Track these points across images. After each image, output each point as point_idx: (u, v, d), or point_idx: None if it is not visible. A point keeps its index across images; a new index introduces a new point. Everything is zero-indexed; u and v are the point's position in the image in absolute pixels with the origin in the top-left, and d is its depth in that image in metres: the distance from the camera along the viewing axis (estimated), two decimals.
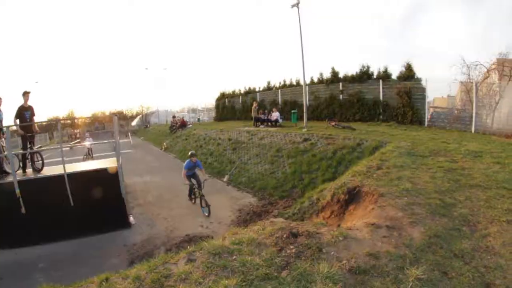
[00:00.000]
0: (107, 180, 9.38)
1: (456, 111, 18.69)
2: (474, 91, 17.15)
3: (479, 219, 4.49)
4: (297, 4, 17.37)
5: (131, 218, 10.02)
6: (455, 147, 9.05)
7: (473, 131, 15.51)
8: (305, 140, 13.59)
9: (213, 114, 41.35)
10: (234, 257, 3.39)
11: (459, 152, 8.26)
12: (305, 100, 19.11)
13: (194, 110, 59.04)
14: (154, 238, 8.61)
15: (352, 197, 6.17)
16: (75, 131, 45.73)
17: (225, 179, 14.61)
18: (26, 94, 9.11)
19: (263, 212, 9.88)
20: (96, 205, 8.95)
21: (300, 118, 19.78)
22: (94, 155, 21.23)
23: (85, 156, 20.34)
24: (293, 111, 21.44)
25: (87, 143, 21.13)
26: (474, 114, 16.08)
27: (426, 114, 17.35)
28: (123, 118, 64.58)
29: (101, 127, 56.97)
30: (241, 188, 13.27)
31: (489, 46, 78.76)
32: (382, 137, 11.65)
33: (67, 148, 22.93)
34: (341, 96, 20.95)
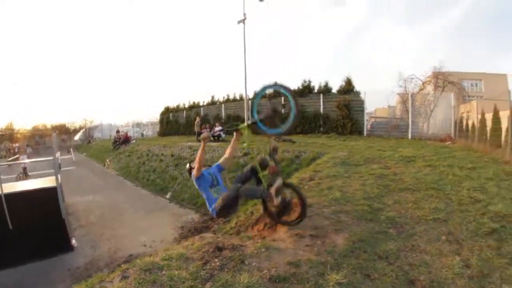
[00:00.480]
0: (46, 201, 8.85)
1: (394, 120, 20.04)
2: (409, 101, 18.64)
3: (407, 220, 4.67)
4: (243, 20, 17.64)
5: (73, 241, 9.41)
6: (390, 154, 9.36)
7: (409, 137, 16.46)
8: (245, 154, 13.55)
9: (158, 128, 40.30)
10: (164, 272, 3.35)
11: (392, 159, 8.57)
12: (247, 114, 19.13)
13: (139, 124, 56.89)
14: (98, 260, 8.26)
15: (284, 209, 6.19)
16: (14, 145, 42.23)
17: (167, 196, 14.31)
18: None
19: (204, 228, 9.69)
20: (37, 228, 8.43)
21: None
22: (32, 172, 19.49)
23: (20, 175, 18.69)
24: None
25: (23, 160, 19.47)
26: (410, 122, 17.16)
27: (365, 125, 18.35)
28: (65, 132, 61.03)
29: (42, 141, 53.22)
30: (183, 205, 13.00)
31: (426, 61, 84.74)
32: (321, 148, 11.91)
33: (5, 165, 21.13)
34: (283, 110, 21.10)
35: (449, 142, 14.97)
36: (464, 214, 4.75)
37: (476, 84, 52.56)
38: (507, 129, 10.97)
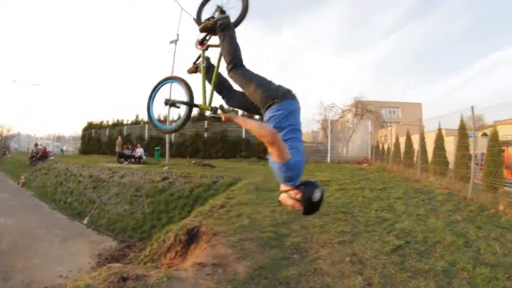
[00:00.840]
0: None
1: (314, 145, 20.92)
2: (329, 127, 19.72)
3: (312, 245, 4.65)
4: (175, 41, 17.18)
5: None
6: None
7: (329, 161, 17.06)
8: (164, 178, 13.06)
9: (79, 144, 36.91)
10: None
11: None
12: (168, 137, 18.57)
13: (60, 138, 51.39)
14: None
15: (192, 237, 6.02)
16: None
17: (85, 222, 13.27)
18: None
19: (120, 256, 9.24)
20: None
21: (165, 155, 19.18)
22: None
23: None
24: (156, 148, 20.74)
25: None
26: (329, 147, 17.90)
27: None
28: None
29: None
30: (101, 231, 12.13)
31: (350, 91, 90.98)
32: (239, 174, 11.83)
33: None
34: (205, 134, 21.25)
35: (366, 164, 15.76)
36: (370, 234, 4.81)
37: (394, 112, 57.53)
38: (418, 151, 11.70)
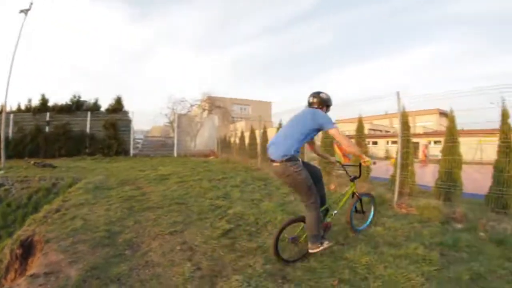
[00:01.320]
0: None
1: (162, 139, 20.73)
2: (176, 121, 19.68)
3: (144, 239, 4.55)
4: (26, 10, 13.52)
5: None
6: (147, 173, 9.34)
7: (175, 155, 17.08)
8: None
9: None
10: None
11: (148, 178, 8.57)
12: (3, 133, 14.79)
13: None
14: None
15: (28, 249, 5.43)
16: None
17: None
18: None
19: None
20: None
21: None
22: None
23: None
24: None
25: None
26: (176, 141, 17.87)
27: (131, 145, 17.96)
28: None
29: None
30: None
31: (201, 87, 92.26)
32: (80, 173, 10.84)
33: None
34: (47, 128, 18.22)
35: (213, 157, 16.34)
36: (202, 222, 4.98)
37: (245, 108, 61.15)
38: (260, 143, 12.68)
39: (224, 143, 18.10)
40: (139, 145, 19.25)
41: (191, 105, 26.24)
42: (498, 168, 5.85)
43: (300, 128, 3.58)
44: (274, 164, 3.50)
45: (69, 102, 18.76)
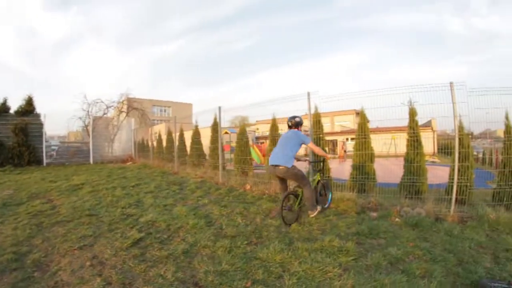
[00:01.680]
0: None
1: (78, 145, 19.51)
2: (91, 125, 18.56)
3: (53, 257, 4.28)
4: None
5: None
6: (59, 184, 8.91)
7: (91, 162, 16.30)
8: None
9: None
10: None
11: (59, 190, 8.16)
12: None
13: None
14: None
15: None
16: None
17: None
18: None
19: None
20: None
21: None
22: None
23: None
24: None
25: None
26: (91, 147, 16.97)
27: (44, 152, 16.37)
28: None
29: None
30: None
31: (118, 87, 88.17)
32: None
33: None
34: None
35: (130, 163, 15.96)
36: (112, 233, 4.90)
37: (165, 110, 59.86)
38: (177, 146, 12.70)
39: (142, 147, 17.54)
40: (54, 153, 17.68)
41: (107, 107, 23.85)
42: (408, 160, 6.64)
43: (290, 145, 5.54)
44: (279, 167, 5.37)
45: None
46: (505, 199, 6.16)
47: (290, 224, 5.28)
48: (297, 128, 5.86)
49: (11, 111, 16.58)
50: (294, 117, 5.87)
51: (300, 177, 5.48)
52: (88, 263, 4.08)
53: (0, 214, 6.53)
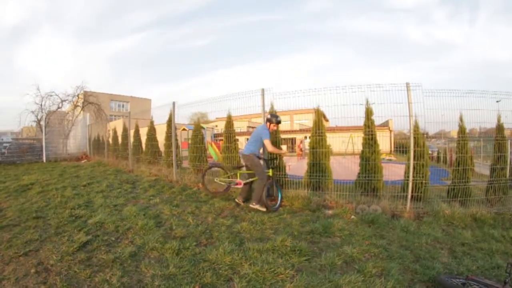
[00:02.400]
0: None
1: (29, 141, 18.47)
2: (44, 120, 17.58)
3: None
4: None
5: None
6: (8, 185, 8.47)
7: (44, 160, 15.64)
8: None
9: None
10: None
11: (7, 191, 7.76)
12: None
13: None
14: None
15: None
16: None
17: None
18: None
19: None
20: None
21: None
22: None
23: None
24: None
25: None
26: (44, 144, 16.22)
27: None
28: None
29: None
30: None
31: (73, 79, 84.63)
32: None
33: None
34: None
35: (85, 160, 15.51)
36: (59, 237, 4.71)
37: (123, 105, 58.25)
38: (132, 143, 12.46)
39: (98, 144, 16.98)
40: (5, 151, 16.59)
41: (62, 101, 22.19)
42: (364, 158, 6.81)
43: (253, 138, 6.57)
44: (243, 155, 6.59)
45: None
46: (459, 195, 6.57)
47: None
48: (267, 124, 6.63)
49: None
50: (268, 114, 7.00)
51: (255, 165, 6.42)
52: (33, 270, 3.87)
53: None
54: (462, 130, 6.73)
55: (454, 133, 7.22)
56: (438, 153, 14.30)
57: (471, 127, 7.07)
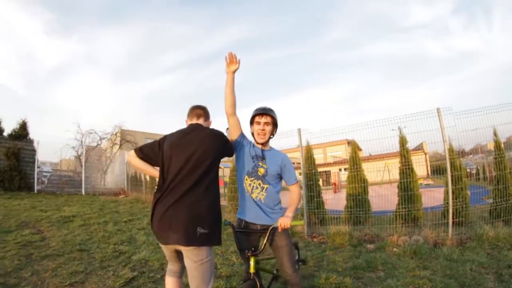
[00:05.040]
0: None
1: (69, 174, 19.32)
2: (84, 155, 18.47)
3: None
4: None
5: None
6: (50, 214, 8.71)
7: (83, 193, 16.04)
8: None
9: None
10: None
11: (50, 221, 7.97)
12: None
13: None
14: None
15: None
16: None
17: None
18: None
19: None
20: None
21: None
22: None
23: None
24: None
25: None
26: (83, 177, 16.79)
27: (36, 179, 15.93)
28: None
29: None
30: None
31: (111, 118, 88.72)
32: None
33: None
34: None
35: (123, 196, 15.75)
36: (104, 271, 4.74)
37: None
38: None
39: (135, 181, 17.41)
40: (45, 180, 17.35)
41: (101, 138, 23.57)
42: (402, 188, 6.65)
43: None
44: None
45: None
46: (502, 214, 6.24)
47: None
48: None
49: (4, 133, 16.33)
50: None
51: None
52: None
53: None
54: (497, 145, 6.51)
55: (491, 145, 6.89)
56: (477, 170, 13.48)
57: (507, 135, 6.85)
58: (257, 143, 2.92)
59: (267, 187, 2.82)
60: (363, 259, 5.02)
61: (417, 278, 4.15)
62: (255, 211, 2.83)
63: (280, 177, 2.94)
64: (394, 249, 5.64)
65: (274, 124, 2.95)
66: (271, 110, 2.91)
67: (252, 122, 2.96)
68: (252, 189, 2.83)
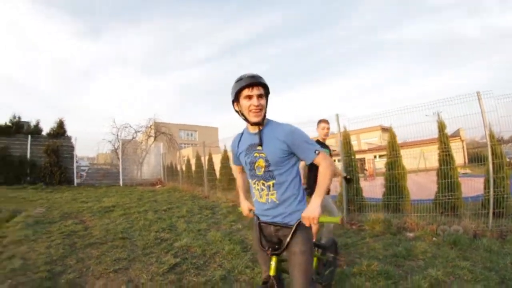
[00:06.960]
0: None
1: (107, 167, 20.03)
2: (120, 148, 19.07)
3: (87, 278, 4.22)
4: None
5: None
6: (91, 205, 9.02)
7: (121, 184, 16.63)
8: None
9: None
10: None
11: (91, 211, 8.27)
12: None
13: None
14: None
15: None
16: None
17: None
18: None
19: None
20: None
21: None
22: None
23: None
24: None
25: None
26: (120, 169, 17.38)
27: (75, 173, 16.90)
28: None
29: None
30: None
31: (145, 111, 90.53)
32: (20, 205, 10.09)
33: None
34: None
35: (160, 186, 16.09)
36: (147, 258, 4.82)
37: (192, 134, 60.99)
38: (207, 170, 12.64)
39: (171, 171, 17.77)
40: (84, 173, 18.35)
41: (136, 131, 24.71)
42: (441, 175, 6.38)
43: None
44: None
45: (8, 123, 17.01)
46: None
47: None
48: None
49: (43, 133, 17.58)
50: None
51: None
52: (123, 287, 3.96)
53: (34, 232, 6.56)
54: None
55: None
56: None
57: None
58: (251, 124, 2.11)
59: (273, 183, 2.09)
60: (403, 247, 4.96)
61: (457, 268, 4.06)
62: (272, 215, 2.13)
63: (288, 158, 2.08)
64: (434, 238, 5.50)
65: (267, 95, 2.11)
66: (261, 78, 2.06)
67: (237, 98, 2.08)
68: (259, 193, 2.16)
